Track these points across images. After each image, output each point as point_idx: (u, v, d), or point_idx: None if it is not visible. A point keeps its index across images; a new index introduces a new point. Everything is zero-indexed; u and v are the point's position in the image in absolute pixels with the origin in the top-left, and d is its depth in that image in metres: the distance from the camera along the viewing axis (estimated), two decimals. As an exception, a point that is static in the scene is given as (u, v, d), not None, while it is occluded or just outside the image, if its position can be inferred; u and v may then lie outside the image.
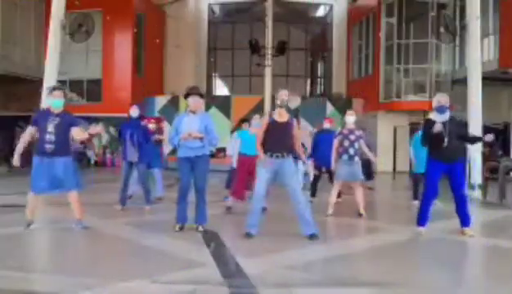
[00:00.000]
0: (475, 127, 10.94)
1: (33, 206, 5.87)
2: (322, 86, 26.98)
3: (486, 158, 11.67)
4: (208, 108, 19.95)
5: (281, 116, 5.73)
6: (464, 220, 6.03)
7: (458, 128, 5.90)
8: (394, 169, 19.38)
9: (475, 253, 5.73)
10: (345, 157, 7.35)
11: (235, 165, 7.90)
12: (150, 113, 20.26)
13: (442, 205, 8.76)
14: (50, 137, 5.68)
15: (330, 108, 20.78)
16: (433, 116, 6.01)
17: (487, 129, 12.63)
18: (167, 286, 3.82)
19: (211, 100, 20.82)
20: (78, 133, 5.84)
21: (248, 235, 5.59)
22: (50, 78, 11.71)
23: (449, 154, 5.83)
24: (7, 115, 19.87)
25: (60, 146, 5.71)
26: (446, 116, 5.90)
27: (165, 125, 19.18)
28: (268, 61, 19.78)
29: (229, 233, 5.83)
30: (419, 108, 17.86)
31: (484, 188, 10.25)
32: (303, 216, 5.68)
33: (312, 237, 5.59)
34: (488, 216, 8.37)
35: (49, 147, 5.67)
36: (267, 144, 5.69)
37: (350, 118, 7.54)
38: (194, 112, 5.93)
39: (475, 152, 10.83)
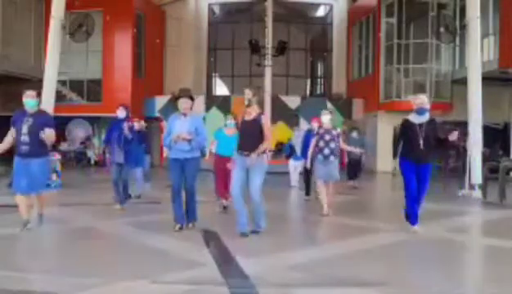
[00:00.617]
0: (475, 127, 10.95)
1: (25, 205, 5.77)
2: (322, 86, 26.98)
3: (486, 158, 11.67)
4: (208, 108, 19.98)
5: (249, 114, 5.75)
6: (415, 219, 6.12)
7: (434, 131, 5.90)
8: (394, 169, 19.36)
9: (475, 253, 5.74)
10: (320, 157, 7.40)
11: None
12: (150, 113, 20.30)
13: (439, 205, 8.77)
14: (24, 138, 5.61)
15: (330, 108, 20.77)
16: (411, 117, 6.01)
17: (487, 129, 12.66)
18: (167, 286, 3.82)
19: (211, 100, 20.84)
20: (48, 135, 5.65)
21: (242, 235, 5.63)
22: (50, 78, 11.69)
23: (421, 156, 5.85)
24: (7, 115, 19.84)
25: (34, 147, 5.60)
26: (425, 117, 5.90)
27: (165, 125, 19.18)
28: (268, 61, 19.77)
29: (229, 233, 5.83)
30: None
31: (484, 188, 10.24)
32: (255, 212, 5.79)
33: (254, 232, 5.75)
34: (488, 216, 8.37)
35: (24, 148, 5.61)
36: (238, 143, 5.78)
37: (325, 118, 7.55)
38: (185, 114, 5.98)
39: (475, 152, 10.83)
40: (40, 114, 5.79)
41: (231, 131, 7.63)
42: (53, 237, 5.99)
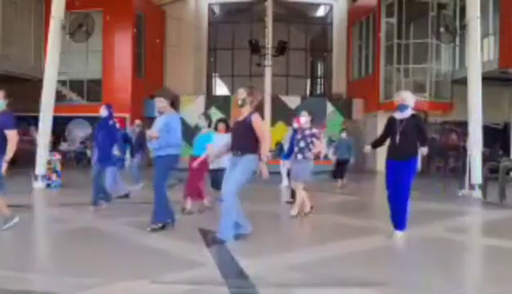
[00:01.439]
0: (475, 127, 10.95)
1: None
2: (322, 86, 26.98)
3: (486, 158, 11.66)
4: (208, 108, 19.99)
5: (241, 114, 5.64)
6: (398, 224, 5.74)
7: (415, 127, 5.80)
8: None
9: (475, 253, 5.74)
10: (293, 156, 7.54)
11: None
12: (150, 113, 20.30)
13: (439, 204, 8.77)
14: None
15: (330, 108, 20.79)
16: (395, 114, 6.00)
17: (487, 129, 12.66)
18: (167, 286, 3.82)
19: (211, 100, 20.85)
20: (10, 138, 5.57)
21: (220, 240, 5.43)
22: (50, 78, 11.69)
23: (398, 152, 5.77)
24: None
25: None
26: (406, 114, 5.85)
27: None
28: (268, 61, 19.78)
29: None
30: (419, 108, 17.80)
31: (484, 188, 10.24)
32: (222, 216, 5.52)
33: (214, 239, 5.36)
34: (488, 216, 8.37)
35: None
36: (231, 144, 5.68)
37: (302, 118, 7.58)
38: (161, 113, 6.08)
39: (475, 152, 10.82)
40: (2, 115, 5.68)
41: (203, 131, 7.67)
42: (53, 237, 5.99)
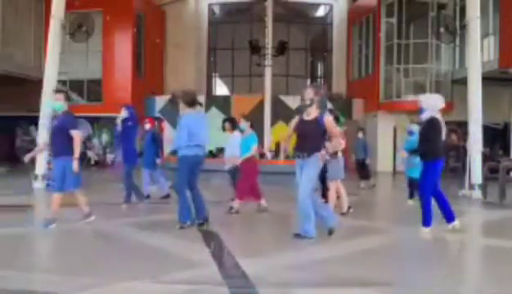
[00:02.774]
0: (475, 127, 10.95)
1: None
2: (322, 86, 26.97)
3: (486, 158, 11.66)
4: (208, 108, 19.99)
5: (308, 114, 5.63)
6: (423, 221, 6.02)
7: (425, 129, 5.95)
8: (394, 169, 19.38)
9: (475, 253, 5.74)
10: None
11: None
12: (150, 113, 20.31)
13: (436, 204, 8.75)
14: (51, 139, 5.99)
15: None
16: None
17: (487, 129, 12.66)
18: (167, 286, 3.82)
19: (211, 100, 20.84)
20: (75, 137, 5.86)
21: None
22: (50, 78, 11.68)
23: (421, 155, 5.98)
24: (8, 115, 19.90)
25: (57, 148, 5.90)
26: (424, 116, 5.94)
27: (165, 125, 19.24)
28: (268, 61, 19.77)
29: (229, 233, 5.83)
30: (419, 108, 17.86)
31: (484, 188, 10.24)
32: (299, 214, 5.64)
33: (298, 236, 5.58)
34: (488, 216, 8.37)
35: (52, 148, 6.01)
36: (296, 144, 5.69)
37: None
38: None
39: (475, 152, 10.82)
40: (65, 116, 5.98)
41: (247, 132, 7.64)
42: (53, 237, 5.99)
